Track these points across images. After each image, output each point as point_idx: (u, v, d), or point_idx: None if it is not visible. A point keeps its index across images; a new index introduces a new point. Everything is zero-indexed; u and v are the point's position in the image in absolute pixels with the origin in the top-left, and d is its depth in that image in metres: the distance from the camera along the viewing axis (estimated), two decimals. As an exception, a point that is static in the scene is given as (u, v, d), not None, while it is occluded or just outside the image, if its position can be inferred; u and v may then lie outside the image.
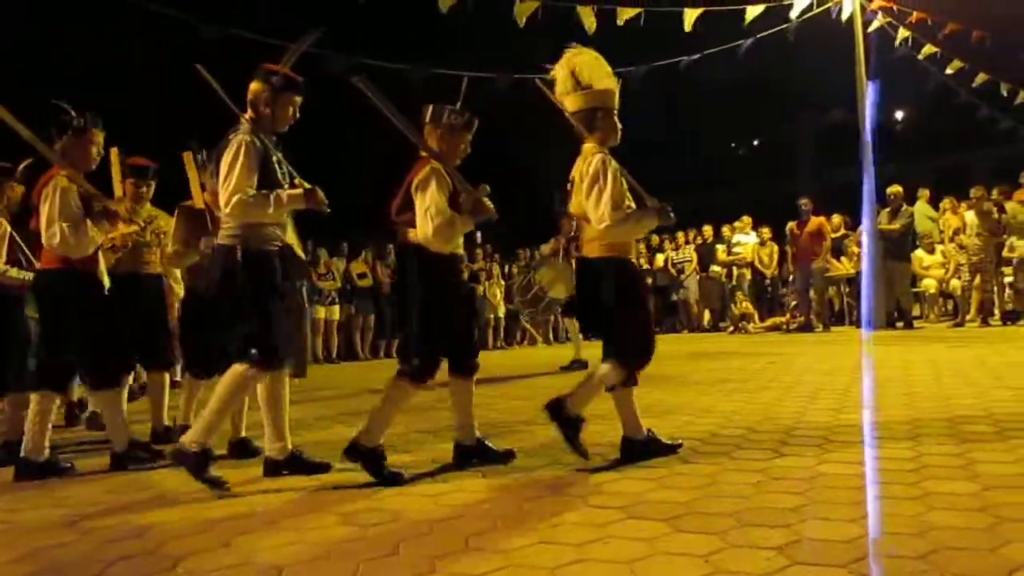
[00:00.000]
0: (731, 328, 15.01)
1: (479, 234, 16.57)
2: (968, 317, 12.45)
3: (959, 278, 12.82)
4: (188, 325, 5.19)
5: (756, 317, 14.96)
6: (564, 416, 3.92)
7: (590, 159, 3.89)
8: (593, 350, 5.71)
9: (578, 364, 8.99)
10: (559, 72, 4.13)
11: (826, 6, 13.98)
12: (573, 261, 7.44)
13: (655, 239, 16.84)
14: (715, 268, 15.67)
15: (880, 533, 2.64)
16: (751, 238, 15.51)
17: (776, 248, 15.34)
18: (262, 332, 3.78)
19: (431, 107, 4.01)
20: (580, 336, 8.89)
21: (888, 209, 13.01)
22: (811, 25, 14.15)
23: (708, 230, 16.51)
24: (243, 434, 4.75)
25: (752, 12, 13.25)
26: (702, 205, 20.82)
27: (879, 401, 5.36)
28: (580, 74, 4.06)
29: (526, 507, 3.23)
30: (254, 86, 3.89)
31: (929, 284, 13.75)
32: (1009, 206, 12.67)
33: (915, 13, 14.32)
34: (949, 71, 15.44)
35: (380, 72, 11.22)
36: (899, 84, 18.21)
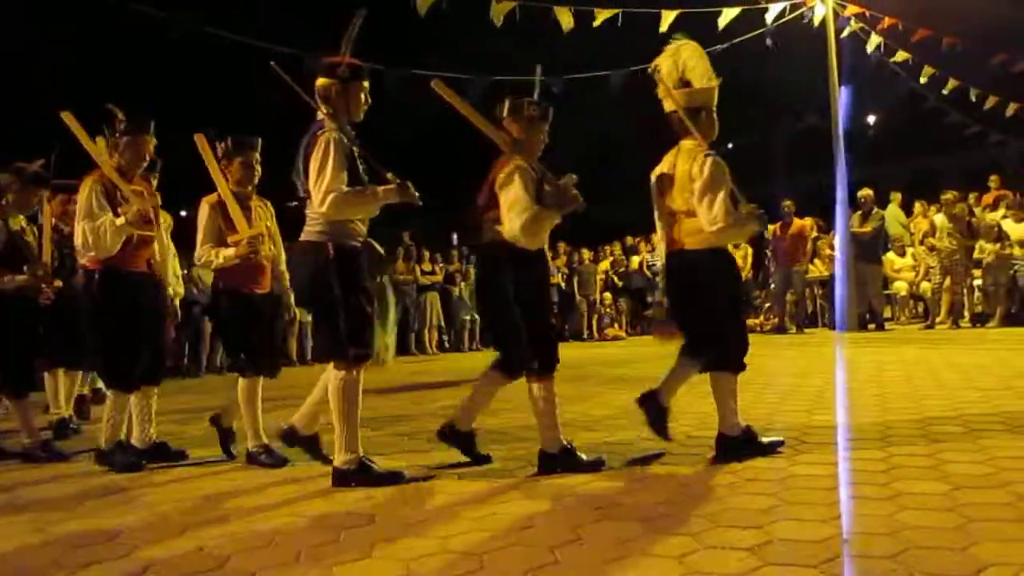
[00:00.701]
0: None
1: (455, 235, 16.56)
2: (938, 319, 12.61)
3: (929, 280, 12.99)
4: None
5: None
6: (654, 406, 4.06)
7: (701, 160, 3.87)
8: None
9: None
10: (664, 63, 4.12)
11: (799, 11, 14.11)
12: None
13: (630, 240, 16.87)
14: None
15: (852, 533, 2.66)
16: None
17: (750, 251, 15.43)
18: (356, 328, 3.77)
19: (509, 100, 3.99)
20: None
21: (860, 212, 13.15)
22: (785, 30, 14.28)
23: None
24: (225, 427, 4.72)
25: (728, 15, 13.34)
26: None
27: (851, 402, 5.42)
28: (684, 69, 4.06)
29: (500, 508, 3.22)
30: (321, 82, 3.86)
31: (900, 286, 13.91)
32: (978, 210, 12.86)
33: (886, 19, 14.48)
34: (923, 80, 15.63)
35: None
36: (871, 89, 18.43)
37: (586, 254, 16.03)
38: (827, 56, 13.81)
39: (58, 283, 5.12)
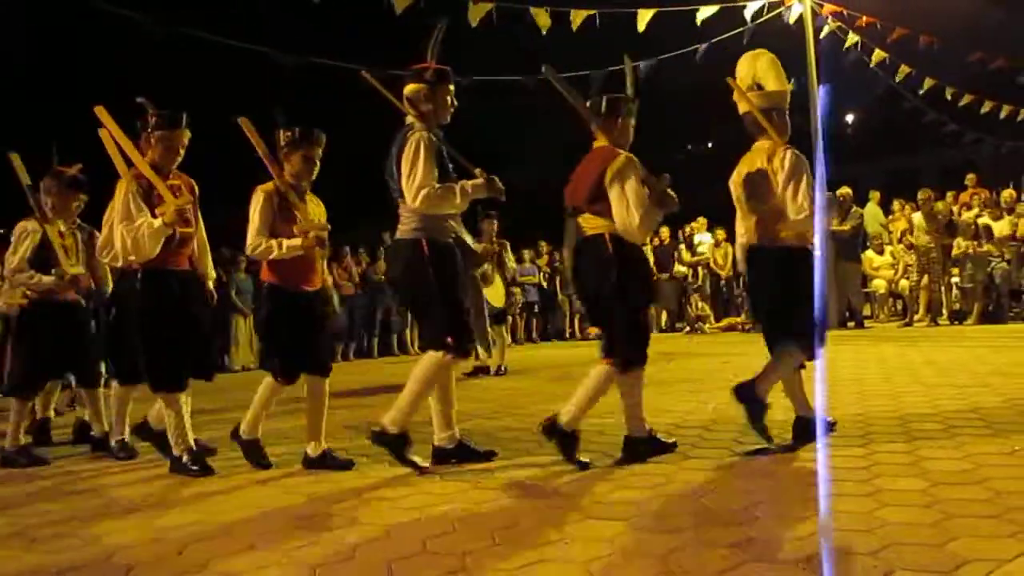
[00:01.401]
0: (687, 329, 15.15)
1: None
2: (917, 317, 12.72)
3: (908, 278, 13.10)
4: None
5: (712, 318, 15.12)
6: (752, 398, 4.07)
7: (782, 154, 4.04)
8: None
9: (483, 371, 8.77)
10: (740, 68, 4.33)
11: (777, 11, 14.19)
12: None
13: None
14: (680, 268, 15.76)
15: (832, 530, 2.68)
16: (708, 238, 15.67)
17: (731, 249, 15.50)
18: (454, 321, 3.93)
19: (606, 98, 4.09)
20: (509, 339, 8.87)
21: (838, 210, 13.21)
22: (764, 29, 14.34)
23: (665, 231, 16.61)
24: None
25: (704, 12, 13.39)
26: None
27: (831, 400, 5.44)
28: (759, 74, 4.28)
29: (484, 508, 3.22)
30: (410, 87, 4.05)
31: (879, 284, 14.02)
32: (955, 208, 12.98)
33: (864, 17, 14.59)
34: (899, 79, 15.77)
35: (333, 71, 11.14)
36: (850, 88, 18.56)
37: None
38: (805, 55, 13.90)
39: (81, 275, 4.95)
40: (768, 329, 4.23)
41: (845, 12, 14.73)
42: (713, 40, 14.04)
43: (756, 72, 4.28)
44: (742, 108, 4.24)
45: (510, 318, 12.02)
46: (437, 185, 3.83)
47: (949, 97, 16.56)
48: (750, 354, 9.42)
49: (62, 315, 4.98)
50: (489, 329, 8.79)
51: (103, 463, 4.78)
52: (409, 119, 4.05)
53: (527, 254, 15.39)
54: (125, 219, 4.07)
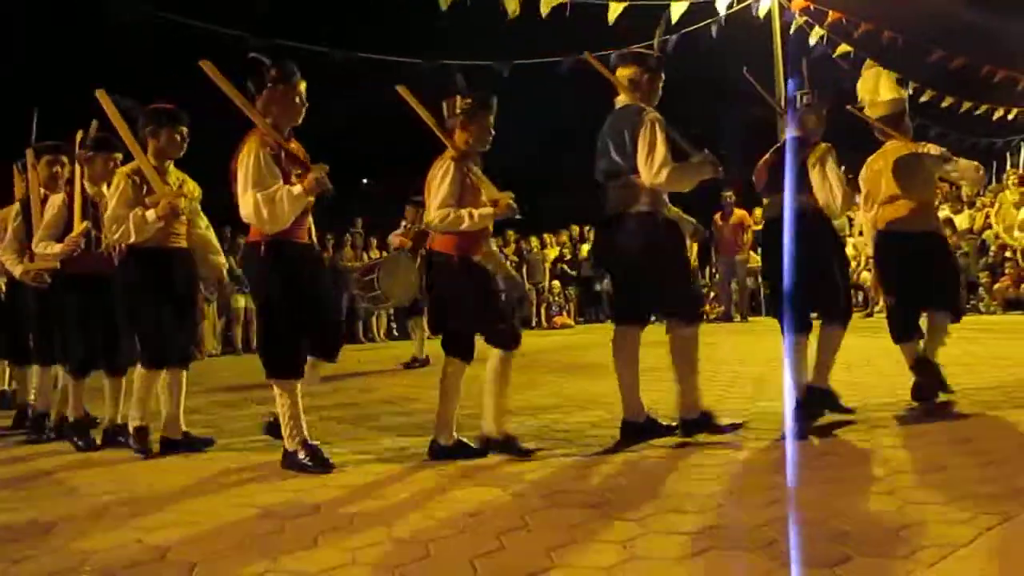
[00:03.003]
0: (652, 319, 15.25)
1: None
2: (877, 308, 12.90)
3: (869, 270, 13.29)
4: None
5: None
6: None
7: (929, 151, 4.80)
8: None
9: (419, 363, 8.70)
10: (862, 86, 5.12)
11: (746, 2, 14.28)
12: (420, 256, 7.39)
13: (576, 229, 16.87)
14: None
15: (794, 517, 2.71)
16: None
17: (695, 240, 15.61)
18: (684, 290, 4.26)
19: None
20: (426, 333, 8.82)
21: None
22: (733, 22, 14.44)
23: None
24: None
25: (678, 9, 13.42)
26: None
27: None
28: (879, 87, 5.03)
29: (448, 495, 3.22)
30: (631, 71, 4.23)
31: (844, 275, 14.21)
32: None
33: (831, 13, 14.75)
34: (864, 72, 15.96)
35: (300, 55, 11.01)
36: (817, 82, 18.73)
37: (535, 242, 16.04)
38: (773, 49, 14.03)
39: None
40: (914, 305, 4.83)
41: (812, 7, 14.87)
42: (683, 31, 14.09)
43: (873, 86, 4.98)
44: (872, 115, 4.99)
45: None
46: (675, 163, 3.98)
47: (911, 92, 16.80)
48: (713, 344, 9.51)
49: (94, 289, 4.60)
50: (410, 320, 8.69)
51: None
52: (627, 100, 4.20)
53: (494, 243, 15.39)
54: (257, 184, 3.66)
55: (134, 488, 3.60)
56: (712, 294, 15.05)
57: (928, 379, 4.69)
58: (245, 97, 3.84)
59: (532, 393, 5.88)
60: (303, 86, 3.93)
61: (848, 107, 4.84)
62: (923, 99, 16.86)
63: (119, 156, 4.72)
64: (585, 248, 16.73)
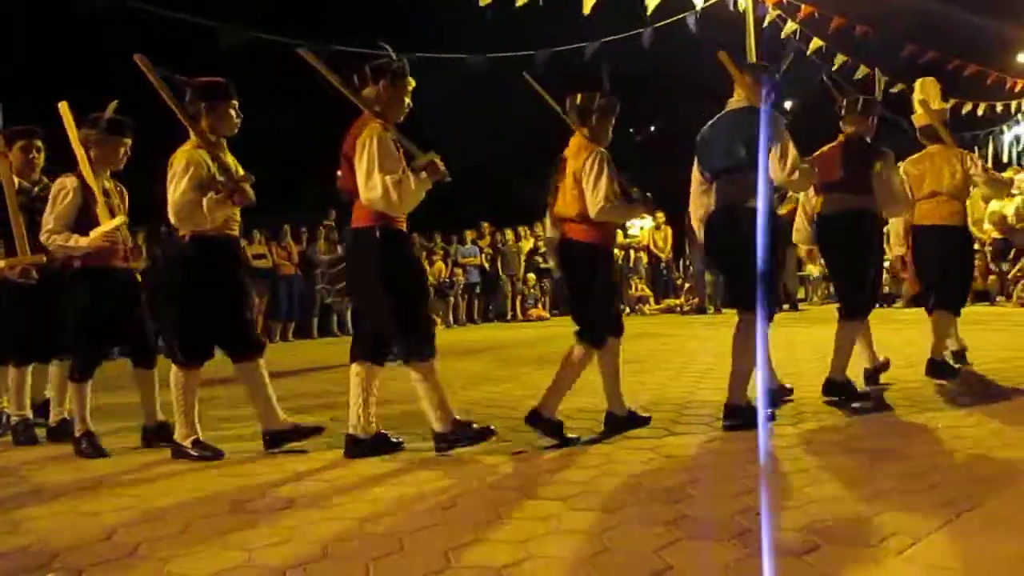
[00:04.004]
0: (627, 310, 15.32)
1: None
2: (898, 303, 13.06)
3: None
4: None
5: (652, 299, 15.32)
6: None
7: (969, 157, 5.50)
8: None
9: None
10: (926, 89, 5.67)
11: (722, -4, 14.33)
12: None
13: (548, 222, 16.87)
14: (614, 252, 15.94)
15: (766, 507, 2.74)
16: (647, 222, 15.82)
17: (670, 232, 15.68)
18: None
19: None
20: None
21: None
22: (708, 15, 14.48)
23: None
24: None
25: (653, 1, 13.43)
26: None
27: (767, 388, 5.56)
28: (928, 96, 5.59)
29: (423, 489, 3.21)
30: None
31: (813, 268, 14.36)
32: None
33: (803, 7, 14.84)
34: (834, 67, 16.09)
35: (275, 47, 10.91)
36: (789, 75, 18.86)
37: (509, 235, 16.04)
38: (746, 43, 14.09)
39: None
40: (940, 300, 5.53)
41: (785, 1, 14.96)
42: (657, 24, 14.11)
43: (924, 94, 5.60)
44: (920, 121, 5.58)
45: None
46: (803, 166, 4.25)
47: (881, 86, 16.97)
48: (687, 336, 9.59)
49: (112, 283, 4.35)
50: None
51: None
52: (743, 101, 4.42)
53: (469, 235, 15.35)
54: (384, 168, 3.68)
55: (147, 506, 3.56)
56: (687, 286, 15.14)
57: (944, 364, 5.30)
58: (349, 85, 3.90)
59: (507, 385, 5.89)
60: (411, 84, 3.99)
61: (824, 78, 5.35)
62: (894, 90, 17.03)
63: (129, 142, 4.45)
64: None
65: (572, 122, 4.25)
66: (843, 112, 4.97)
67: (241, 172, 4.03)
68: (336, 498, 3.13)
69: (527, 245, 16.36)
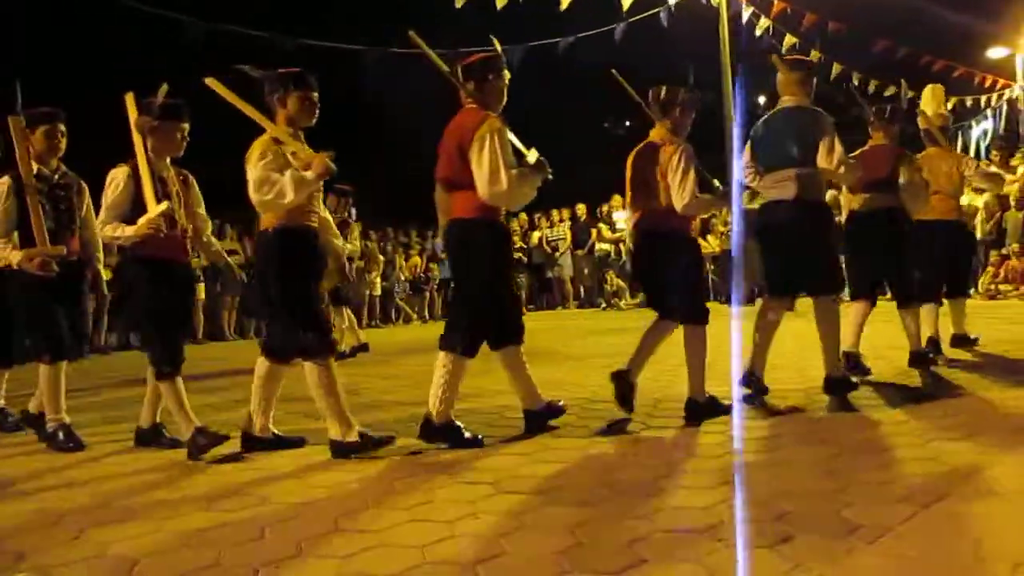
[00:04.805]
0: (604, 304, 15.36)
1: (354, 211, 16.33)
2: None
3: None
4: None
5: (627, 293, 15.37)
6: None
7: (967, 159, 6.32)
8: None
9: (360, 349, 8.71)
10: (936, 95, 6.30)
11: (696, -9, 14.40)
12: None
13: (523, 217, 16.84)
14: (602, 246, 15.92)
15: (739, 499, 2.76)
16: (626, 215, 15.85)
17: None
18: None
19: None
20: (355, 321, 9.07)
21: (749, 191, 13.53)
22: (683, 10, 14.54)
23: (581, 208, 16.70)
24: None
25: (627, -1, 13.46)
26: (575, 184, 21.05)
27: (741, 373, 5.59)
28: (933, 101, 6.21)
29: (398, 486, 3.20)
30: (796, 75, 4.63)
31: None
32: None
33: (776, 3, 14.94)
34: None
35: (242, 40, 10.84)
36: (763, 72, 19.02)
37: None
38: (720, 39, 14.17)
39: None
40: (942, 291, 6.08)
41: (759, -4, 15.06)
42: (630, 19, 14.15)
43: (940, 100, 6.22)
44: (923, 124, 6.13)
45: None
46: (850, 162, 4.53)
47: (856, 82, 17.12)
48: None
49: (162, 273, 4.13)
50: (345, 309, 8.70)
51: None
52: (797, 100, 4.67)
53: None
54: (511, 164, 3.79)
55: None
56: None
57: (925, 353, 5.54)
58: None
59: (484, 379, 5.87)
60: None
61: (845, 84, 5.62)
62: (870, 88, 17.19)
63: (186, 126, 4.26)
64: (535, 235, 16.73)
65: (654, 115, 4.37)
66: (872, 119, 5.55)
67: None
68: (310, 494, 3.12)
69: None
